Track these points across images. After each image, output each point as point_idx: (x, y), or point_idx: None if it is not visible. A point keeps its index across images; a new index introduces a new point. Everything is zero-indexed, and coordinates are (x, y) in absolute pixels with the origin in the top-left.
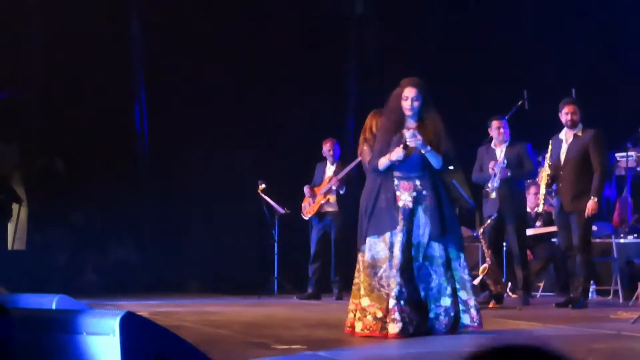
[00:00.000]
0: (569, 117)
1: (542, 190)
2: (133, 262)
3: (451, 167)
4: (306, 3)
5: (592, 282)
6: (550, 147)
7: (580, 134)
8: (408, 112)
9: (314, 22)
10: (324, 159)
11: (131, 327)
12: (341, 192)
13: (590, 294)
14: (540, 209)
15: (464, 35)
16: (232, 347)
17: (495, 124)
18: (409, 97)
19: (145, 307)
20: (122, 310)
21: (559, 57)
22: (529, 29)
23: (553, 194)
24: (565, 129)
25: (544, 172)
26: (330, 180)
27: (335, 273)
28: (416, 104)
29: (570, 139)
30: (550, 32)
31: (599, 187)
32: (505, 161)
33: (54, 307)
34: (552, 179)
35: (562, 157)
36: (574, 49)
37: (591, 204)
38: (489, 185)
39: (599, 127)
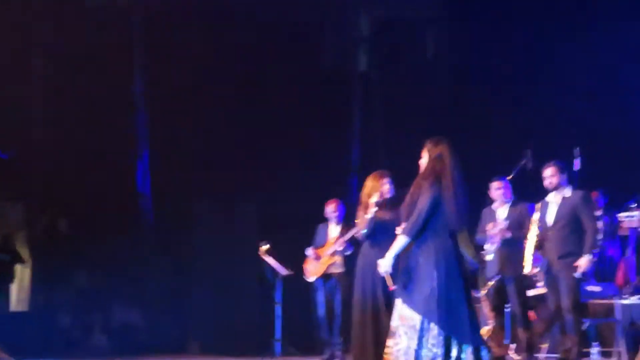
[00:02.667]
0: (546, 181)
1: (529, 253)
2: (136, 323)
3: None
4: (311, 61)
5: (595, 343)
6: (537, 211)
7: (568, 194)
8: None
9: (318, 79)
10: (326, 220)
11: None
12: (347, 253)
13: (594, 356)
14: (527, 270)
15: (467, 96)
16: None
17: (494, 185)
18: None
19: None
20: None
21: (563, 114)
22: (531, 87)
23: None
24: (553, 192)
25: (532, 235)
26: (336, 241)
27: (340, 334)
28: None
29: (560, 201)
30: (553, 89)
31: (591, 246)
32: (507, 222)
33: None
34: (540, 242)
35: (551, 219)
36: (577, 107)
37: (584, 261)
38: (485, 247)
39: (603, 186)
